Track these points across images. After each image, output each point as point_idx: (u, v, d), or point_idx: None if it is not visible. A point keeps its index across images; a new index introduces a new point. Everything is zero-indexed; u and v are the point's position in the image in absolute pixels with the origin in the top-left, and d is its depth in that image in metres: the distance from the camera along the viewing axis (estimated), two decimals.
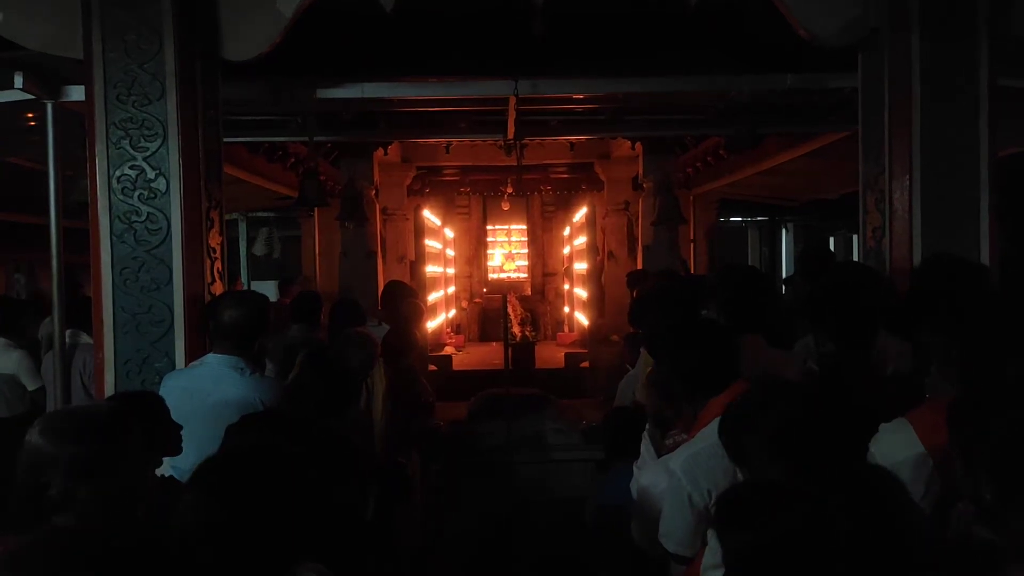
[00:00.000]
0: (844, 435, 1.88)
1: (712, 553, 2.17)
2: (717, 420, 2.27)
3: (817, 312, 2.61)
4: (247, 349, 3.18)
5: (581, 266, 10.21)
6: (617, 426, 3.67)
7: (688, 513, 2.32)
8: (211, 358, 3.19)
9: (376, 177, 8.30)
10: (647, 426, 2.96)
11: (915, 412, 2.06)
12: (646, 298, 4.08)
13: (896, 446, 1.98)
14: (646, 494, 2.71)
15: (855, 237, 13.05)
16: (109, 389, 3.44)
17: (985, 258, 3.46)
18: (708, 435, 2.32)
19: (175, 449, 2.62)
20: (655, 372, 2.98)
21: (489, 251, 12.19)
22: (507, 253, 12.25)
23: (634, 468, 2.91)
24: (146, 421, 2.43)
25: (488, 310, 11.60)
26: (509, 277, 12.14)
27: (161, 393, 3.05)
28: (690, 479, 2.31)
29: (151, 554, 1.54)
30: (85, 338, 4.42)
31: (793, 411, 1.92)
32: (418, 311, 5.29)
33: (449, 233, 11.34)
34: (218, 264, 3.76)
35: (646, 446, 2.91)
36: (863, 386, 2.36)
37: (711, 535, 2.16)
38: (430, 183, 10.36)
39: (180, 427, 2.63)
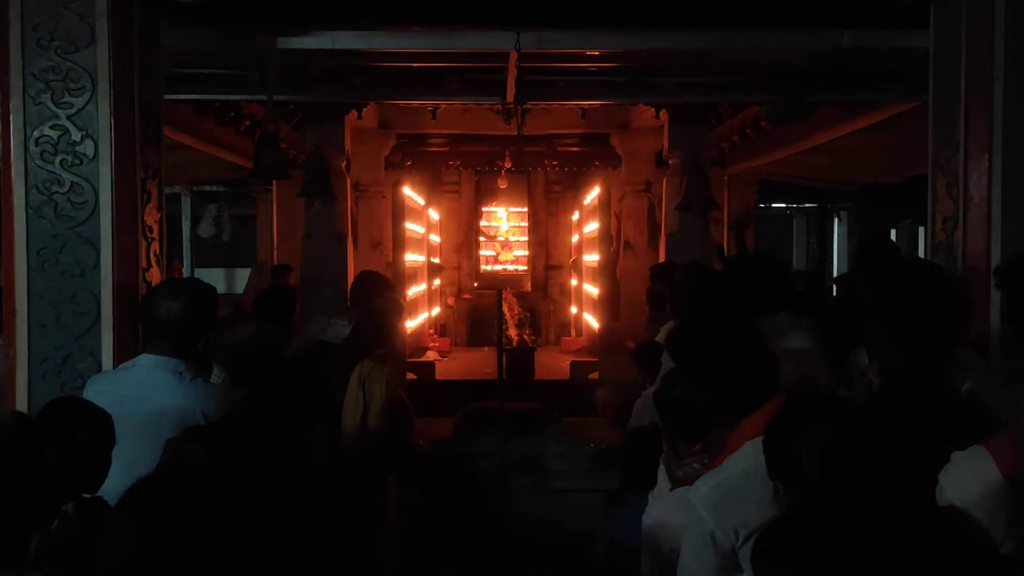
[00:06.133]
0: (910, 462, 1.88)
1: None
2: (750, 444, 2.26)
3: (879, 318, 2.59)
4: (188, 349, 3.17)
5: (592, 258, 10.20)
6: (636, 451, 3.67)
7: (711, 555, 2.31)
8: (145, 359, 3.17)
9: (348, 146, 8.28)
10: (664, 451, 2.96)
11: (995, 439, 2.05)
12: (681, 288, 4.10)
13: (971, 477, 1.98)
14: (659, 531, 2.71)
15: (921, 229, 13.10)
16: (21, 393, 3.43)
17: None
18: (737, 462, 2.31)
19: (96, 482, 2.60)
20: (671, 386, 2.98)
21: (482, 238, 12.19)
22: (503, 240, 12.25)
23: (649, 498, 2.91)
24: (80, 441, 2.43)
25: (479, 308, 11.59)
26: (505, 269, 12.14)
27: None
28: (714, 515, 2.29)
29: None
30: None
31: (851, 428, 1.90)
32: (396, 307, 5.28)
33: (434, 215, 11.34)
34: (155, 246, 3.75)
35: (663, 475, 2.91)
36: (933, 407, 2.35)
37: None
38: (413, 154, 10.35)
39: (109, 462, 2.62)
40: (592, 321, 9.97)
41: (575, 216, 11.51)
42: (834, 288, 6.67)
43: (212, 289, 3.40)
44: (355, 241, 8.75)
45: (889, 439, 1.90)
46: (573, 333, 11.20)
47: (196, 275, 11.88)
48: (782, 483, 2.03)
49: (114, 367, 3.37)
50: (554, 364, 9.57)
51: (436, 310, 11.22)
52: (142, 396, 3.03)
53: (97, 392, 3.07)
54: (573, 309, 11.41)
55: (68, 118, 3.45)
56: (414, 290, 9.78)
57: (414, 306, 9.57)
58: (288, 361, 3.63)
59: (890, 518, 1.63)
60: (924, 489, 1.97)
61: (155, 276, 3.73)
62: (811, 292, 4.67)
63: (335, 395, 4.09)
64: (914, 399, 2.35)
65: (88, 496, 2.55)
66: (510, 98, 5.89)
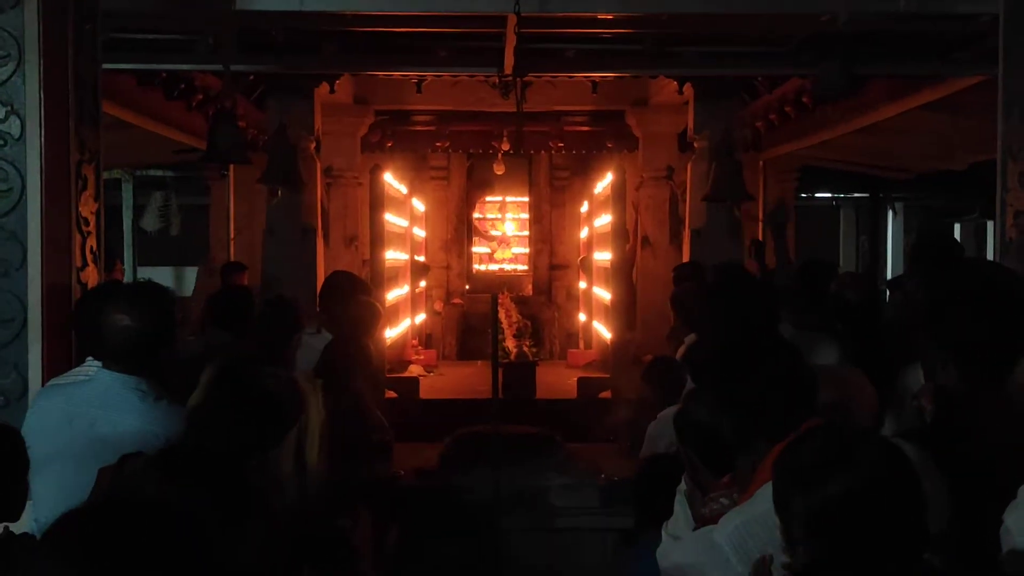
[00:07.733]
0: (965, 500, 1.90)
1: None
2: None
3: (935, 331, 2.61)
4: (149, 366, 3.16)
5: (603, 256, 10.22)
6: (650, 482, 3.68)
7: None
8: (103, 374, 3.14)
9: (318, 124, 8.30)
10: (683, 482, 2.98)
11: None
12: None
13: None
14: (680, 573, 2.73)
15: (990, 224, 13.11)
16: None
17: None
18: (767, 496, 2.33)
19: (10, 511, 2.60)
20: (694, 407, 3.00)
21: (476, 231, 12.20)
22: (500, 236, 12.26)
23: (663, 532, 2.92)
24: None
25: (471, 315, 11.61)
26: (502, 270, 12.15)
27: (31, 416, 3.06)
28: (742, 555, 2.32)
29: None
30: None
31: (863, 484, 1.91)
32: (373, 314, 5.31)
33: (419, 206, 11.35)
34: (92, 241, 3.76)
35: (682, 507, 2.92)
36: (995, 435, 2.37)
37: None
38: (394, 134, 10.36)
39: (27, 485, 2.62)
40: (603, 331, 9.98)
41: (584, 208, 11.52)
42: (887, 294, 6.70)
43: (169, 293, 3.39)
44: (326, 236, 8.76)
45: (918, 493, 1.90)
46: (581, 345, 11.21)
47: (139, 275, 11.90)
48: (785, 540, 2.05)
49: (43, 383, 3.37)
50: (558, 381, 9.57)
51: (421, 317, 11.23)
52: (96, 416, 3.03)
53: (46, 408, 3.08)
54: (581, 317, 11.42)
55: None
56: (395, 293, 9.80)
57: (394, 312, 9.58)
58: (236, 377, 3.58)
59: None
60: (983, 531, 1.99)
61: (91, 276, 3.73)
62: (862, 299, 4.68)
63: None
64: (973, 426, 2.37)
65: (11, 532, 2.57)
66: (508, 69, 5.90)
